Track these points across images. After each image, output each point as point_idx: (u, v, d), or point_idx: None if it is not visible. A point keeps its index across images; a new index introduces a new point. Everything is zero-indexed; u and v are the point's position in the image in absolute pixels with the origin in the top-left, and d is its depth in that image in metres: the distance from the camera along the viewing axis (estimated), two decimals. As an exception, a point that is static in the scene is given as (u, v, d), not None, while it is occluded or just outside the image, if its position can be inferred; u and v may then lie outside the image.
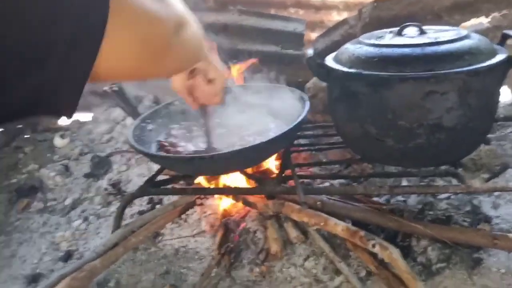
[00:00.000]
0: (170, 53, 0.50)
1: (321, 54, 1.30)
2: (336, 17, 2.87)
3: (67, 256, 1.63)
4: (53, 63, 0.35)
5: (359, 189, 1.23)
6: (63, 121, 2.85)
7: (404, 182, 1.51)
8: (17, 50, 0.33)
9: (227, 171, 1.36)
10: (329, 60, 1.21)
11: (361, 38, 1.21)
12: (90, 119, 2.74)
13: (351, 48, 1.18)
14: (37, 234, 1.85)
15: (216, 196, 1.66)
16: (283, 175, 1.36)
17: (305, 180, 1.53)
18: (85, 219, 1.82)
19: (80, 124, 2.72)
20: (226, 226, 1.58)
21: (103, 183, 2.02)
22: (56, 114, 0.39)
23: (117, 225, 1.52)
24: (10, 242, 1.86)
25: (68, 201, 1.99)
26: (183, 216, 1.66)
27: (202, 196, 1.68)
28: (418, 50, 1.06)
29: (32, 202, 2.08)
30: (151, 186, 1.48)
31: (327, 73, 1.21)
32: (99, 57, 0.38)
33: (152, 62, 0.48)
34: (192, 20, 0.59)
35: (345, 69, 1.12)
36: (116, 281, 1.46)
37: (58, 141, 2.46)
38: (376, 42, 1.14)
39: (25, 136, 2.79)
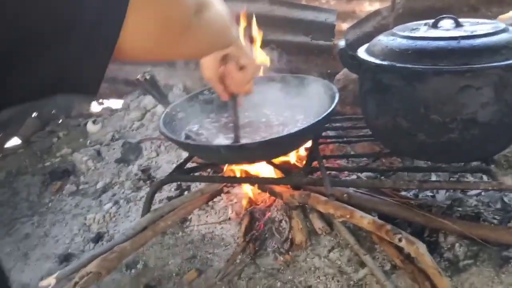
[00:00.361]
0: (190, 33, 0.50)
1: (352, 45, 1.29)
2: (368, 7, 2.82)
3: (98, 238, 1.69)
4: (76, 39, 0.36)
5: (387, 183, 1.22)
6: (95, 107, 2.94)
7: (433, 177, 1.49)
8: (41, 26, 0.34)
9: (254, 160, 1.37)
10: (361, 52, 1.20)
11: (395, 30, 1.19)
12: (121, 106, 2.81)
13: (384, 40, 1.17)
14: (69, 215, 1.92)
15: (242, 185, 1.68)
16: (310, 166, 1.36)
17: (332, 172, 1.53)
18: (116, 202, 1.88)
19: (111, 111, 2.80)
20: (252, 215, 1.60)
21: (134, 168, 2.07)
22: (81, 91, 0.39)
23: (146, 210, 1.56)
24: (44, 222, 1.94)
25: (99, 185, 2.05)
26: (210, 203, 1.69)
27: (229, 185, 1.71)
28: (453, 43, 1.04)
29: (65, 185, 2.16)
30: (180, 173, 1.52)
31: (358, 65, 1.21)
32: (122, 35, 0.38)
33: (172, 42, 0.48)
34: (217, 3, 0.59)
35: (378, 61, 1.11)
36: (144, 263, 1.50)
37: (90, 127, 2.53)
38: (411, 34, 1.12)
39: (59, 121, 2.89)
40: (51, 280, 1.38)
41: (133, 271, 1.48)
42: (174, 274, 1.44)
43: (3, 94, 0.36)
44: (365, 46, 1.25)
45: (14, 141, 2.72)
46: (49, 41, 0.35)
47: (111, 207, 1.85)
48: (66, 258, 1.64)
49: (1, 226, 1.96)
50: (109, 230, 1.72)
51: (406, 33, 1.14)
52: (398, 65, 1.07)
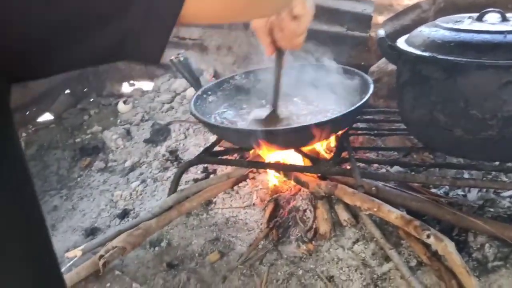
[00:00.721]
0: None
1: (389, 38, 1.26)
2: (406, 1, 2.75)
3: (124, 214, 1.72)
4: (137, 9, 0.35)
5: (419, 178, 1.20)
6: (126, 88, 2.98)
7: (466, 175, 1.45)
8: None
9: (283, 147, 1.37)
10: (401, 42, 1.18)
11: (437, 21, 1.16)
12: (152, 88, 2.84)
13: (426, 31, 1.13)
14: (97, 191, 1.97)
15: (268, 171, 1.67)
16: (339, 157, 1.35)
17: (361, 165, 1.51)
18: (143, 181, 1.91)
19: (142, 92, 2.83)
20: (276, 202, 1.60)
21: (161, 149, 2.10)
22: (143, 58, 0.39)
23: (173, 189, 1.58)
24: (72, 196, 1.99)
25: (127, 163, 2.09)
26: (235, 187, 1.70)
27: (255, 171, 1.71)
28: (499, 38, 1.00)
29: (94, 161, 2.20)
30: (208, 155, 1.53)
31: (397, 56, 1.18)
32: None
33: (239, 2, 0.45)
34: None
35: (418, 52, 1.08)
36: (167, 242, 1.52)
37: (121, 106, 2.57)
38: (454, 26, 1.09)
39: (91, 100, 2.95)
40: (77, 251, 1.41)
41: (156, 248, 1.50)
42: (196, 255, 1.45)
43: (68, 59, 0.37)
44: (405, 36, 1.22)
45: (46, 116, 2.79)
46: (108, 12, 0.34)
47: (138, 185, 1.87)
48: (92, 232, 1.68)
49: (31, 197, 2.02)
50: (135, 208, 1.75)
51: (450, 25, 1.11)
52: (439, 56, 1.04)
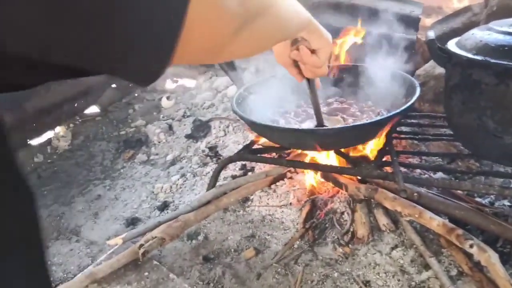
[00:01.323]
0: (230, 47, 0.44)
1: (438, 40, 1.23)
2: (456, 4, 2.67)
3: (164, 206, 1.77)
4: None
5: (465, 185, 1.16)
6: (170, 84, 3.05)
7: (514, 187, 1.39)
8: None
9: (325, 147, 1.36)
10: (452, 45, 1.14)
11: (491, 25, 1.12)
12: (194, 85, 2.90)
13: (478, 34, 1.10)
14: (139, 182, 2.03)
15: (306, 172, 1.67)
16: (381, 160, 1.33)
17: (403, 169, 1.48)
18: (183, 175, 1.95)
19: (184, 89, 2.89)
20: (313, 203, 1.59)
21: (202, 145, 2.14)
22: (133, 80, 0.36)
23: (212, 184, 1.61)
24: (115, 186, 2.06)
25: (169, 157, 2.14)
26: (273, 186, 1.70)
27: (293, 170, 1.71)
28: (558, 42, 0.95)
29: (136, 154, 2.27)
30: (248, 153, 1.54)
31: (447, 59, 1.15)
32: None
33: (229, 38, 0.43)
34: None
35: (470, 56, 1.05)
36: (204, 235, 1.55)
37: (164, 102, 2.63)
38: (509, 30, 1.05)
39: (135, 95, 3.04)
40: (118, 240, 1.46)
41: (193, 241, 1.53)
42: (232, 250, 1.47)
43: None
44: (456, 39, 1.18)
45: (93, 109, 2.90)
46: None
47: (178, 179, 1.92)
48: (132, 222, 1.73)
49: (76, 185, 2.11)
50: (175, 200, 1.79)
51: (504, 29, 1.07)
52: (492, 61, 1.00)
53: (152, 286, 1.35)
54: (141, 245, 1.38)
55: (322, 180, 1.62)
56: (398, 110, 1.24)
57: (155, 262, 1.45)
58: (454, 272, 1.20)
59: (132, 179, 2.08)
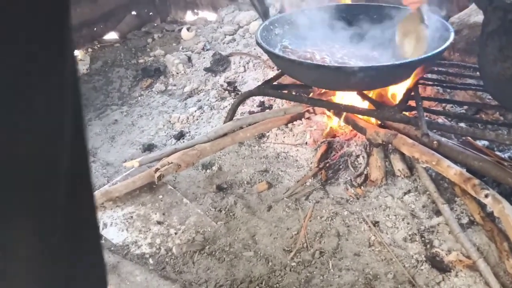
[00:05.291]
0: None
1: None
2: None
3: (180, 135, 1.78)
4: None
5: (489, 134, 1.14)
6: (190, 16, 2.98)
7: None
8: None
9: (349, 87, 1.33)
10: (496, -13, 1.08)
11: (543, -33, 1.04)
12: (215, 19, 2.82)
13: (528, -24, 1.03)
14: (156, 111, 2.03)
15: (325, 113, 1.65)
16: (405, 104, 1.30)
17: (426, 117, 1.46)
18: (200, 107, 1.94)
19: (206, 22, 2.82)
20: (329, 144, 1.59)
21: (220, 79, 2.11)
22: None
23: (230, 117, 1.61)
24: (132, 113, 2.07)
25: (186, 89, 2.13)
26: (290, 125, 1.70)
27: (311, 111, 1.69)
28: None
29: (154, 83, 2.26)
30: (269, 88, 1.52)
31: (488, 1, 1.09)
32: None
33: None
34: None
35: (516, -2, 0.99)
36: (219, 166, 1.57)
37: (184, 33, 2.58)
38: None
39: (155, 24, 2.98)
40: (135, 162, 1.49)
41: (208, 171, 1.55)
42: (245, 182, 1.49)
43: None
44: (502, -18, 1.11)
45: (112, 35, 2.86)
46: None
47: (195, 111, 1.92)
48: (149, 148, 1.76)
49: (94, 109, 2.13)
50: (191, 131, 1.80)
51: (557, -28, 1.00)
52: (539, 5, 0.95)
53: (165, 209, 1.39)
54: (157, 169, 1.40)
55: (341, 122, 1.60)
56: (429, 54, 1.20)
57: (169, 187, 1.48)
58: (465, 221, 1.21)
59: (149, 107, 2.08)
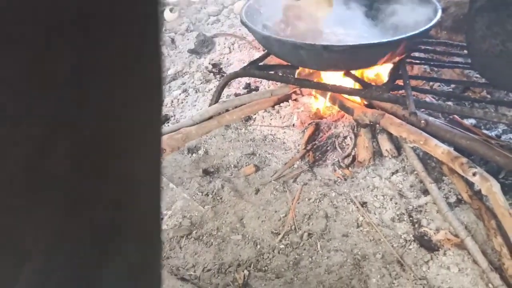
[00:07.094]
0: None
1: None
2: None
3: (164, 120, 1.74)
4: None
5: (477, 112, 1.13)
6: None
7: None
8: None
9: (336, 67, 1.31)
10: (485, -39, 1.06)
11: None
12: (199, -1, 2.76)
13: (517, -51, 1.01)
14: (139, 95, 1.98)
15: (313, 94, 1.63)
16: (392, 83, 1.29)
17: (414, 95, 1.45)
18: (184, 90, 1.90)
19: (189, 2, 2.75)
20: (317, 126, 1.57)
21: (205, 61, 2.07)
22: None
23: (215, 100, 1.57)
24: (115, 97, 2.02)
25: (170, 71, 2.08)
26: (276, 107, 1.67)
27: (298, 92, 1.67)
28: None
29: (137, 66, 2.20)
30: (255, 69, 1.49)
31: (477, -24, 1.07)
32: None
33: None
34: None
35: (505, -28, 0.97)
36: (205, 150, 1.54)
37: (167, 14, 2.51)
38: None
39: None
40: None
41: (194, 155, 1.53)
42: (232, 166, 1.47)
43: None
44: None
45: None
46: None
47: (180, 94, 1.87)
48: (132, 132, 1.72)
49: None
50: (176, 115, 1.76)
51: None
52: (528, -21, 0.93)
53: (151, 194, 1.37)
54: (141, 154, 1.37)
55: (328, 103, 1.59)
56: (416, 32, 1.18)
57: (154, 172, 1.45)
58: (453, 199, 1.21)
59: (132, 91, 2.03)
